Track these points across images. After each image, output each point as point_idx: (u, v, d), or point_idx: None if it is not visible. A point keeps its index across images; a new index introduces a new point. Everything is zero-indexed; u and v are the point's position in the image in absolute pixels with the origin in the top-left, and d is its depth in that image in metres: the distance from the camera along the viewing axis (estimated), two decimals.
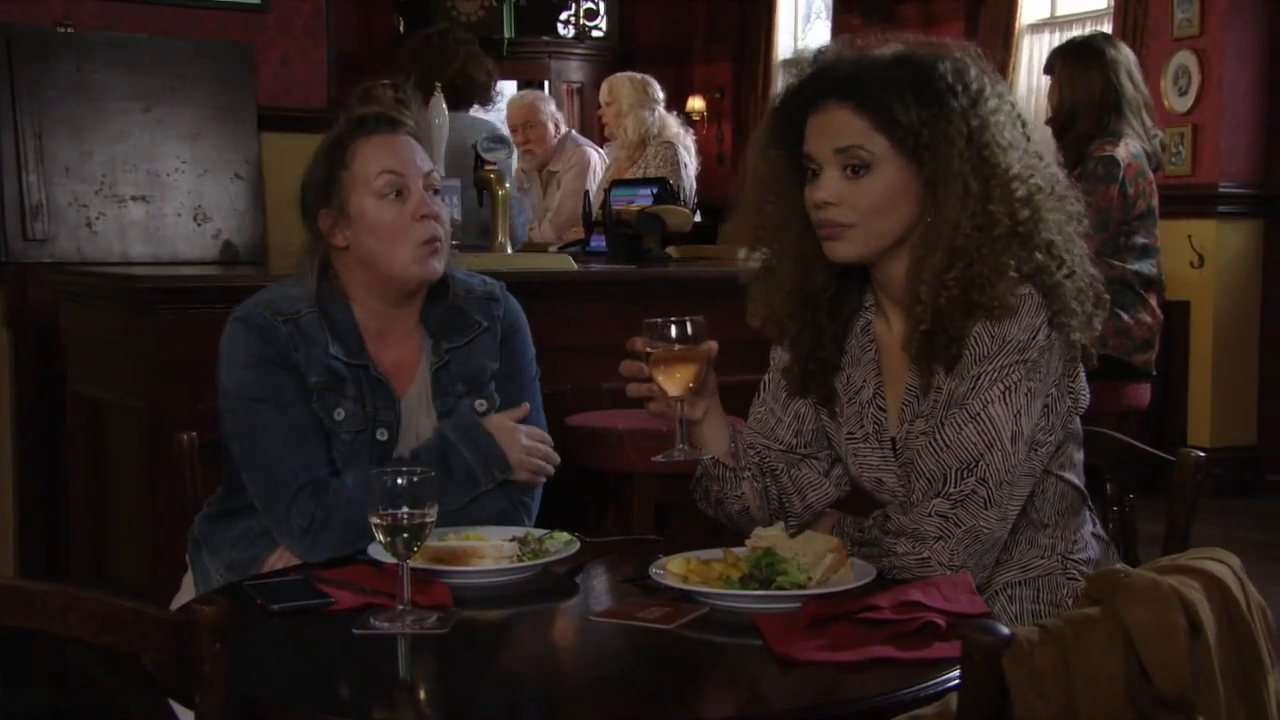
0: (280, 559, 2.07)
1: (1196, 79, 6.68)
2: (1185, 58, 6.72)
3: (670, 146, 5.74)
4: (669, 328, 1.89)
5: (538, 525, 2.14)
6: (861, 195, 1.85)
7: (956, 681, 1.44)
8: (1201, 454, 2.01)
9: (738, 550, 1.80)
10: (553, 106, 6.07)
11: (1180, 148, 6.57)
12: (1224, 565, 1.27)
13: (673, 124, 5.88)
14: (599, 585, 1.92)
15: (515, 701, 1.53)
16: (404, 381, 2.17)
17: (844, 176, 1.86)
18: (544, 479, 2.19)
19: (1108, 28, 7.20)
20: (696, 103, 10.01)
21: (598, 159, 5.92)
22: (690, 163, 5.81)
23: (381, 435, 2.12)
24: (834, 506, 2.07)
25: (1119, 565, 1.42)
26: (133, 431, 3.14)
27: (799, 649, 1.52)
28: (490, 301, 2.25)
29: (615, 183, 4.97)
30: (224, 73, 4.52)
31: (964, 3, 7.96)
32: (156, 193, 4.45)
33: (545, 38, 10.12)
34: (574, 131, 6.26)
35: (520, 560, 1.88)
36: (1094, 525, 1.99)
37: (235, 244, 4.51)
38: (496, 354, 2.22)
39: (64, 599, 1.33)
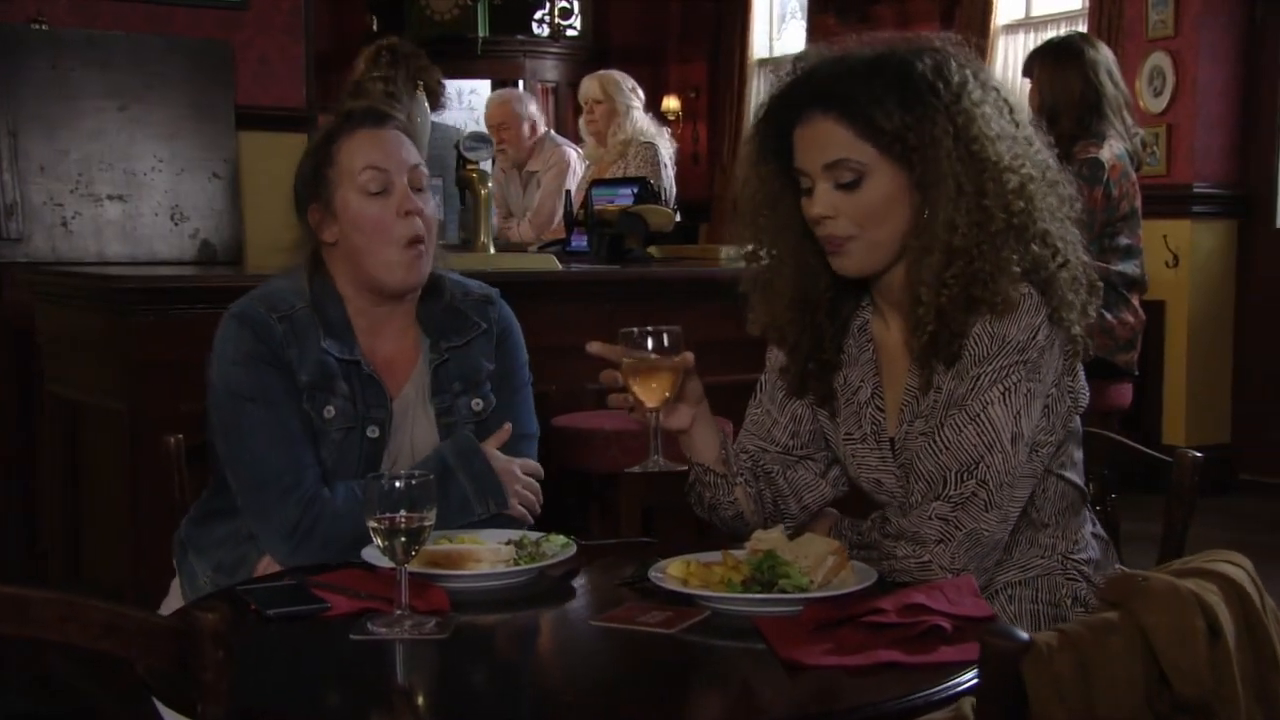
0: (273, 564, 2.04)
1: (1171, 80, 6.72)
2: (1160, 58, 6.75)
3: (650, 146, 5.72)
4: (644, 338, 1.87)
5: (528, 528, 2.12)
6: (856, 206, 1.84)
7: (967, 686, 1.43)
8: (1199, 454, 2.01)
9: (737, 553, 1.78)
10: (532, 106, 6.03)
11: (1155, 148, 6.60)
12: (1239, 568, 1.26)
13: (652, 124, 5.86)
14: (596, 589, 1.90)
15: (518, 708, 1.51)
16: (398, 379, 2.15)
17: (837, 189, 1.84)
18: (532, 520, 2.16)
19: (1083, 28, 7.22)
20: (671, 103, 9.99)
21: (576, 159, 5.89)
22: (670, 163, 5.79)
23: (372, 433, 2.10)
24: (830, 507, 2.06)
25: (1136, 570, 1.41)
26: (112, 433, 3.10)
27: (805, 654, 1.50)
28: (487, 305, 2.23)
29: (595, 182, 4.95)
30: (201, 71, 4.48)
31: (939, 3, 7.97)
32: (133, 192, 4.41)
33: (520, 37, 10.09)
34: (553, 131, 6.23)
35: (517, 564, 1.85)
36: (1094, 525, 1.99)
37: (213, 243, 4.47)
38: (492, 355, 2.20)
39: (62, 606, 1.30)
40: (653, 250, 4.25)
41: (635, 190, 4.62)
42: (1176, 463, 2.01)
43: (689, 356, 1.87)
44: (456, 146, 3.74)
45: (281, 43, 4.58)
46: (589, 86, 5.91)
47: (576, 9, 10.33)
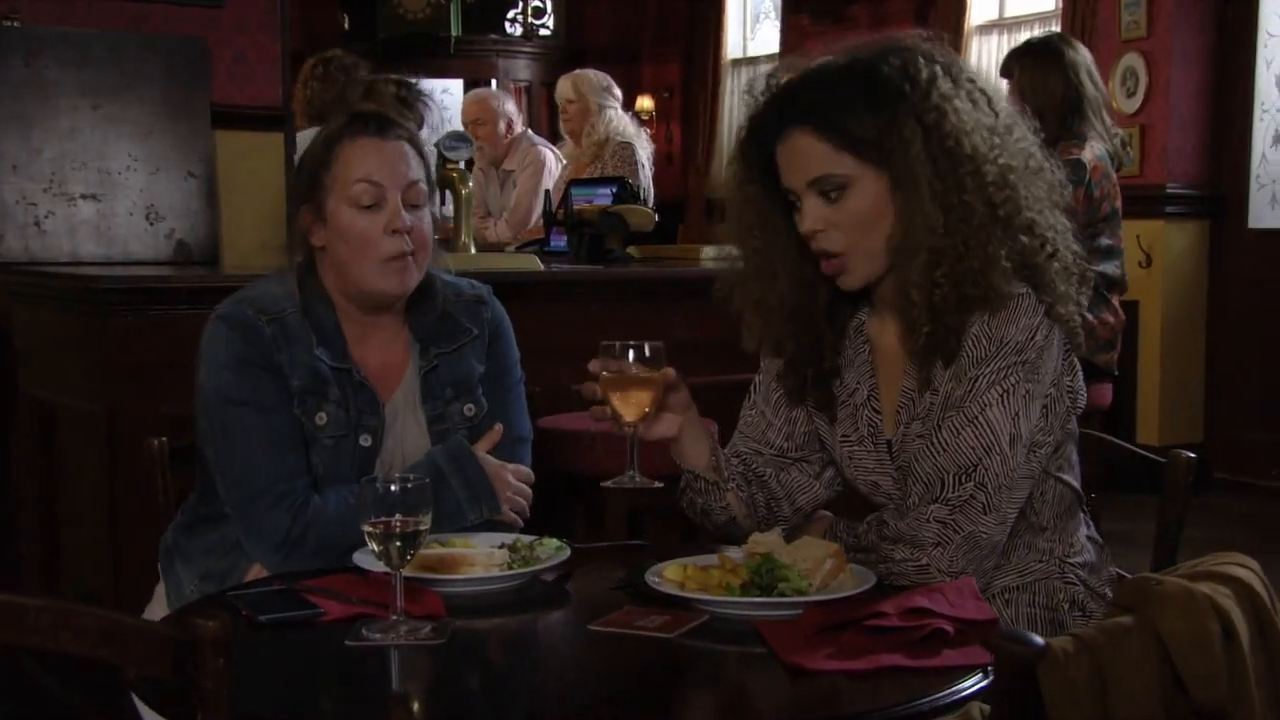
0: (263, 570, 2.01)
1: (1144, 81, 6.75)
2: (1133, 59, 6.78)
3: (628, 146, 5.70)
4: (625, 351, 1.85)
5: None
6: (845, 217, 1.83)
7: (972, 690, 1.43)
8: (1192, 455, 2.01)
9: (733, 555, 1.77)
10: (509, 105, 6.01)
11: (1130, 148, 6.63)
12: (1248, 570, 1.26)
13: (629, 123, 5.85)
14: (591, 593, 1.88)
15: (520, 715, 1.49)
16: (389, 386, 2.12)
17: (824, 202, 1.84)
18: (521, 524, 2.14)
19: (1056, 29, 7.25)
20: (645, 102, 9.98)
21: (552, 158, 5.88)
22: (647, 162, 5.78)
23: (365, 441, 2.07)
24: (824, 509, 2.05)
25: (1135, 574, 1.40)
26: (91, 436, 3.06)
27: (808, 658, 1.49)
28: (479, 305, 2.21)
29: (574, 182, 4.94)
30: (177, 69, 4.43)
31: (913, 4, 7.99)
32: (107, 191, 4.35)
33: (493, 36, 10.07)
34: (529, 131, 6.21)
35: (511, 568, 1.84)
36: (1089, 528, 1.98)
37: (189, 243, 4.42)
38: (484, 357, 2.18)
39: (57, 614, 1.28)
40: (632, 250, 4.24)
41: (614, 190, 4.61)
42: (1170, 463, 2.01)
43: (670, 372, 1.86)
44: (436, 146, 3.72)
45: (258, 41, 4.54)
46: (563, 86, 5.90)
47: (549, 8, 10.32)
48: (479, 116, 5.89)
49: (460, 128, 5.56)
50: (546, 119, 9.35)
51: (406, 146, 2.11)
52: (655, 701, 1.51)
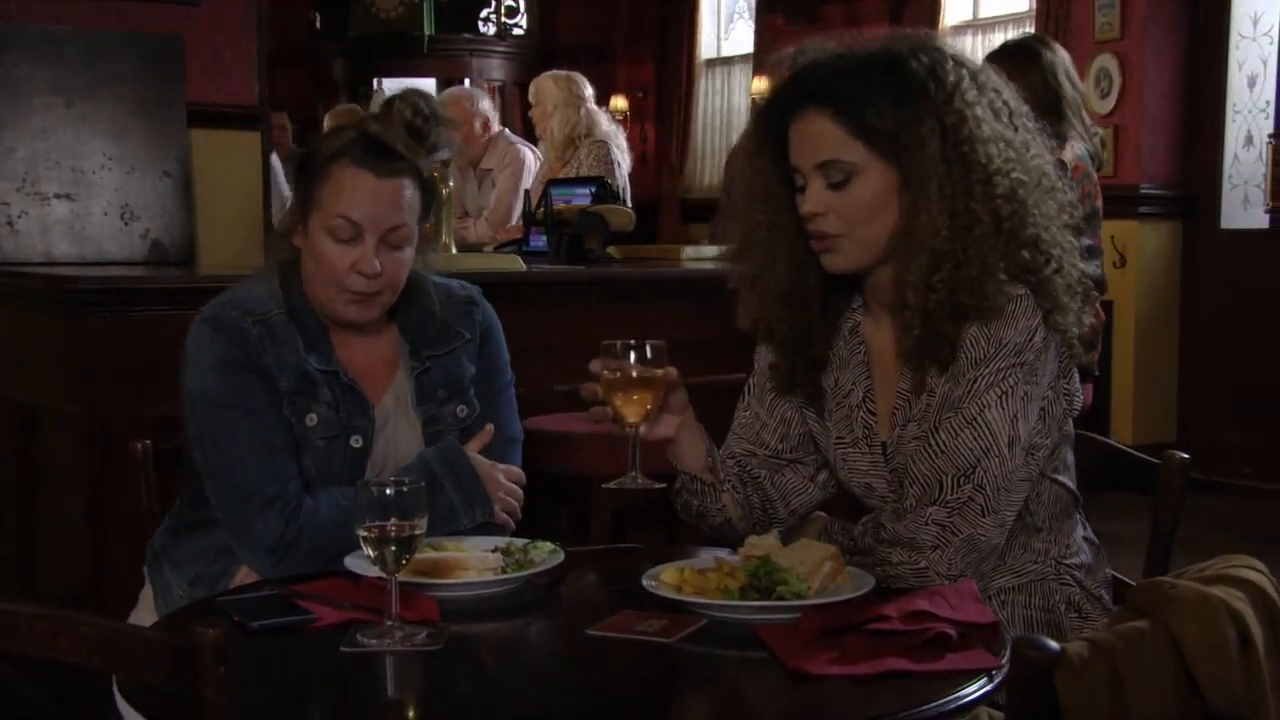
0: (252, 575, 1.99)
1: (1117, 81, 6.78)
2: (1106, 60, 6.81)
3: (603, 145, 5.68)
4: (626, 351, 1.83)
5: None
6: (846, 204, 1.82)
7: (976, 695, 1.42)
8: (1185, 456, 2.01)
9: (730, 558, 1.76)
10: (484, 104, 5.98)
11: (1105, 149, 6.66)
12: (1259, 573, 1.25)
13: (603, 121, 5.81)
14: (587, 596, 1.87)
15: None
16: (378, 387, 2.09)
17: (828, 187, 1.83)
18: (514, 526, 2.12)
19: (1030, 29, 7.27)
20: (619, 102, 9.96)
21: (532, 157, 5.85)
22: (624, 161, 5.75)
23: (356, 442, 2.04)
24: (818, 510, 2.03)
25: (1161, 577, 1.39)
26: (71, 438, 3.03)
27: (811, 663, 1.48)
28: (470, 306, 2.18)
29: (553, 181, 4.91)
30: (152, 67, 4.39)
31: (888, 4, 8.00)
32: (81, 190, 4.31)
33: (466, 35, 10.04)
34: (507, 130, 6.19)
35: (505, 572, 1.82)
36: (1085, 529, 1.98)
37: (164, 243, 4.38)
38: (475, 358, 2.15)
39: (52, 622, 1.26)
40: (612, 250, 4.23)
41: (593, 190, 4.58)
42: (1165, 464, 2.00)
43: (672, 371, 1.84)
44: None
45: (235, 39, 4.50)
46: (531, 87, 5.90)
47: (522, 8, 10.30)
48: (455, 117, 5.86)
49: None
50: (520, 118, 9.31)
51: (405, 184, 2.03)
52: (657, 707, 1.49)
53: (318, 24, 10.04)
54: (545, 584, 1.84)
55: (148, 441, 2.22)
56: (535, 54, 10.17)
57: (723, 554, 1.80)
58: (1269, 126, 6.46)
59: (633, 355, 1.82)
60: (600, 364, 1.82)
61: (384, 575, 1.62)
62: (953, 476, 1.77)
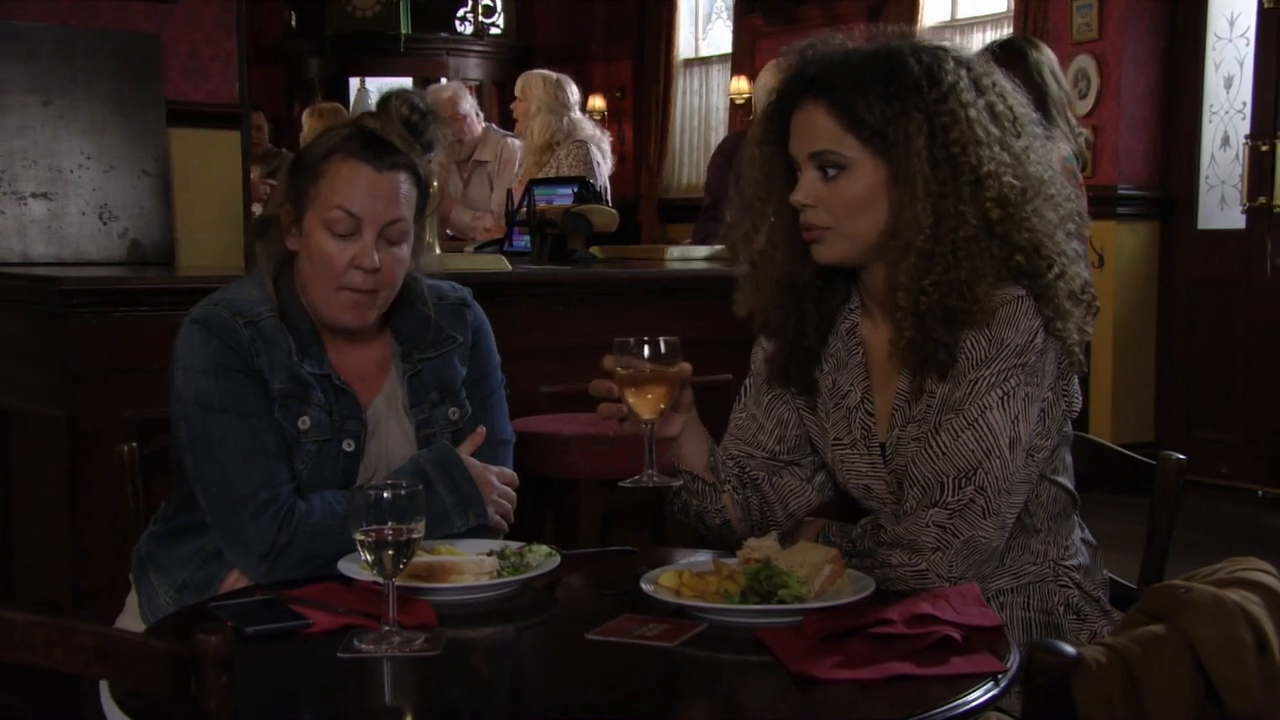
0: (241, 579, 1.96)
1: (1096, 82, 6.80)
2: (1084, 61, 6.83)
3: (582, 145, 5.66)
4: (641, 347, 1.81)
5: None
6: (836, 197, 1.82)
7: (983, 700, 1.40)
8: (1182, 457, 2.00)
9: (728, 561, 1.74)
10: (468, 101, 5.98)
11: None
12: (1272, 576, 1.24)
13: (587, 126, 5.80)
14: (584, 600, 1.85)
15: None
16: (369, 390, 2.07)
17: (821, 178, 1.83)
18: (507, 529, 2.10)
19: (1008, 30, 7.29)
20: (597, 102, 9.95)
21: (521, 151, 5.84)
22: (604, 162, 5.74)
23: (348, 446, 2.01)
24: (815, 512, 2.02)
25: (1174, 580, 1.38)
26: (51, 441, 2.99)
27: (816, 667, 1.46)
28: (463, 308, 2.16)
29: (535, 181, 4.89)
30: (130, 65, 4.34)
31: (866, 5, 8.00)
32: (59, 190, 4.26)
33: (443, 34, 10.00)
34: (492, 124, 6.17)
35: (502, 575, 1.80)
36: (1083, 530, 1.97)
37: (143, 243, 4.33)
38: (467, 360, 2.13)
39: (49, 630, 1.23)
40: (595, 250, 4.21)
41: (575, 189, 4.57)
42: (1161, 465, 2.00)
43: (687, 367, 1.82)
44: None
45: (214, 36, 4.46)
46: (520, 80, 5.88)
47: (499, 7, 10.27)
48: (452, 113, 5.84)
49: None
50: (498, 117, 9.29)
51: (402, 178, 2.01)
52: (660, 713, 1.47)
53: (293, 22, 9.99)
54: (542, 587, 1.82)
55: (134, 445, 2.19)
56: (512, 53, 10.15)
57: (710, 556, 1.78)
58: (1245, 127, 6.49)
59: (647, 351, 1.80)
60: (614, 360, 1.80)
61: (380, 579, 1.60)
62: (953, 478, 1.75)
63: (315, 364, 2.01)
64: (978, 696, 1.40)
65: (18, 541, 3.28)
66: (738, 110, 9.15)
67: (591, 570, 1.95)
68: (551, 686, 1.57)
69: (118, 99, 4.33)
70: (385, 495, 1.60)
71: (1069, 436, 1.92)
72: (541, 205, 4.35)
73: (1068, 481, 1.92)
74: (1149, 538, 1.99)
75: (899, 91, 1.79)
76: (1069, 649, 1.12)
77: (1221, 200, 6.72)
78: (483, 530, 2.05)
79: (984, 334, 1.77)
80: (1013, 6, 7.32)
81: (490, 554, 1.85)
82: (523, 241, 4.47)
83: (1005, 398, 1.76)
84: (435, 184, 3.68)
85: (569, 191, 4.60)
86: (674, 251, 4.39)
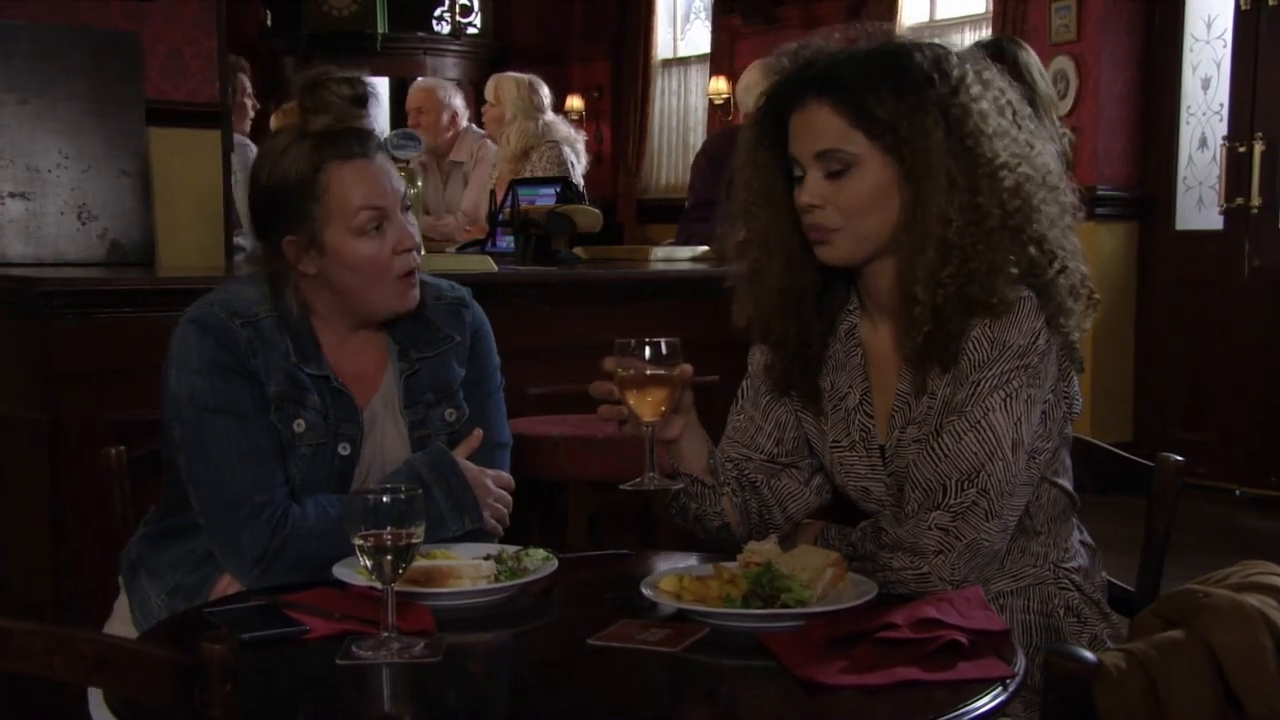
0: (233, 583, 1.93)
1: (1074, 84, 6.82)
2: (1063, 62, 6.85)
3: (555, 146, 5.64)
4: (642, 348, 1.78)
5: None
6: (845, 196, 1.80)
7: (991, 705, 1.39)
8: (1180, 459, 2.00)
9: (729, 565, 1.73)
10: (458, 99, 5.93)
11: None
12: None
13: (562, 127, 5.77)
14: (583, 605, 1.82)
15: None
16: (366, 392, 2.04)
17: (826, 178, 1.81)
18: (502, 533, 2.08)
19: (987, 32, 7.30)
20: (575, 102, 9.92)
21: (494, 154, 5.81)
22: (578, 163, 5.72)
23: (344, 449, 1.99)
24: (813, 515, 2.01)
25: (1193, 585, 1.38)
26: (33, 444, 2.94)
27: (822, 672, 1.45)
28: (460, 308, 2.14)
29: (517, 181, 4.87)
30: (108, 64, 4.29)
31: (845, 5, 8.00)
32: (36, 189, 4.21)
33: (420, 34, 9.96)
34: (473, 125, 6.14)
35: (499, 580, 1.78)
36: (1082, 532, 1.96)
37: (123, 244, 4.28)
38: (465, 361, 2.11)
39: (49, 639, 1.21)
40: (579, 251, 4.19)
41: (557, 190, 4.55)
42: (1158, 467, 1.99)
43: (688, 369, 1.80)
44: (384, 145, 3.63)
45: (193, 35, 4.41)
46: (487, 87, 5.85)
47: (476, 7, 10.23)
48: (423, 105, 5.81)
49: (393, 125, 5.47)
50: (475, 117, 9.27)
51: (386, 156, 2.03)
52: (666, 718, 1.46)
53: (269, 21, 9.93)
54: (538, 592, 1.80)
55: (121, 448, 2.16)
56: (490, 53, 10.10)
57: (732, 566, 1.77)
58: (1223, 129, 6.51)
59: (648, 352, 1.78)
60: (614, 361, 1.78)
61: (376, 585, 1.58)
62: (956, 480, 1.74)
63: (313, 365, 1.99)
64: (986, 702, 1.39)
65: (3, 545, 3.23)
66: (716, 110, 9.15)
67: (588, 574, 1.93)
68: (553, 693, 1.55)
69: (96, 98, 4.28)
70: (384, 500, 1.57)
71: (1069, 438, 1.92)
72: (524, 205, 4.32)
73: (1067, 483, 1.91)
74: (1146, 539, 1.99)
75: (911, 86, 1.78)
76: (1089, 655, 1.11)
77: (1199, 201, 6.74)
78: (477, 534, 2.02)
79: (986, 335, 1.76)
80: (991, 8, 7.33)
81: (487, 558, 1.83)
82: (505, 242, 4.44)
83: (1008, 399, 1.75)
84: (417, 186, 3.66)
85: (551, 192, 4.58)
86: (658, 252, 4.38)
